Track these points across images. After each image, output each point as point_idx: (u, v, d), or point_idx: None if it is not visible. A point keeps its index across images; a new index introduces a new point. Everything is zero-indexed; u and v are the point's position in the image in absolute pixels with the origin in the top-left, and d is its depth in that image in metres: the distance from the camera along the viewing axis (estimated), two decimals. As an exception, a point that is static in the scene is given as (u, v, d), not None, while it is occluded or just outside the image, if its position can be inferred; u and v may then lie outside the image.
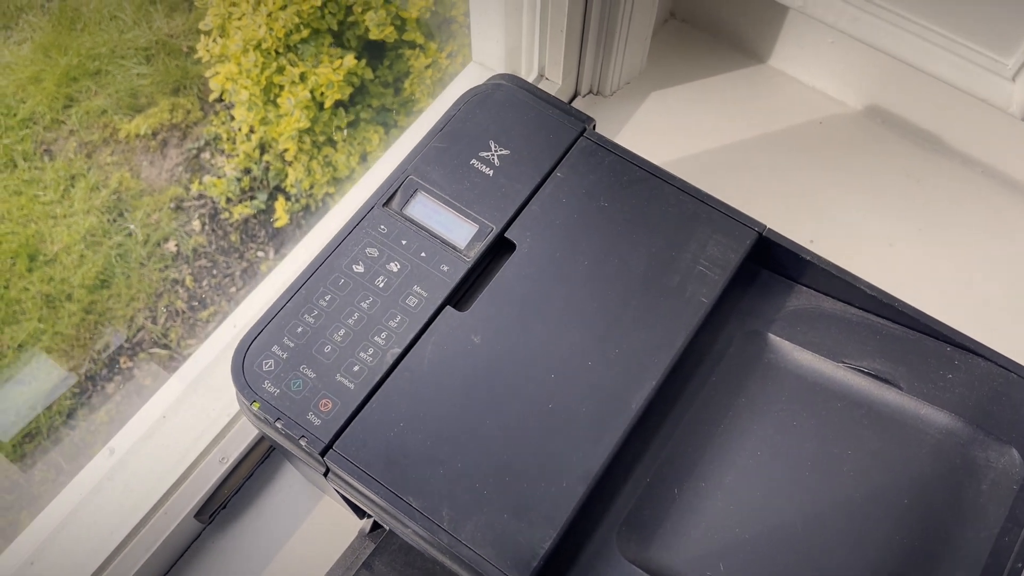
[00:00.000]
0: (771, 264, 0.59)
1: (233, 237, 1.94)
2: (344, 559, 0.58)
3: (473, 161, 0.59)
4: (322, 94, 1.92)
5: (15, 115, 2.01)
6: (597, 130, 0.62)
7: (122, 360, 1.81)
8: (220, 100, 2.03)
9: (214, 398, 0.65)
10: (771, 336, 0.57)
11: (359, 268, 0.56)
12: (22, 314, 1.81)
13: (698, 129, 0.84)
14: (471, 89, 0.62)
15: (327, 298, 0.54)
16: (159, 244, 1.92)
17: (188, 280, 1.86)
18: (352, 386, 0.52)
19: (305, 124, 1.96)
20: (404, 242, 0.56)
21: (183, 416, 0.66)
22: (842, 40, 0.80)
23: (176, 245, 1.92)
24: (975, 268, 0.77)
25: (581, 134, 0.60)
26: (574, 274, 0.55)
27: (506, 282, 0.55)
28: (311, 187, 1.97)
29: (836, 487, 0.52)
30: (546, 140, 0.60)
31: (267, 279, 0.68)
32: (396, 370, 0.53)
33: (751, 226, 0.57)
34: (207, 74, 1.95)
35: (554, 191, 0.58)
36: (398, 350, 0.53)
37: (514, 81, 0.63)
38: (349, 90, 1.96)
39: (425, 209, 0.58)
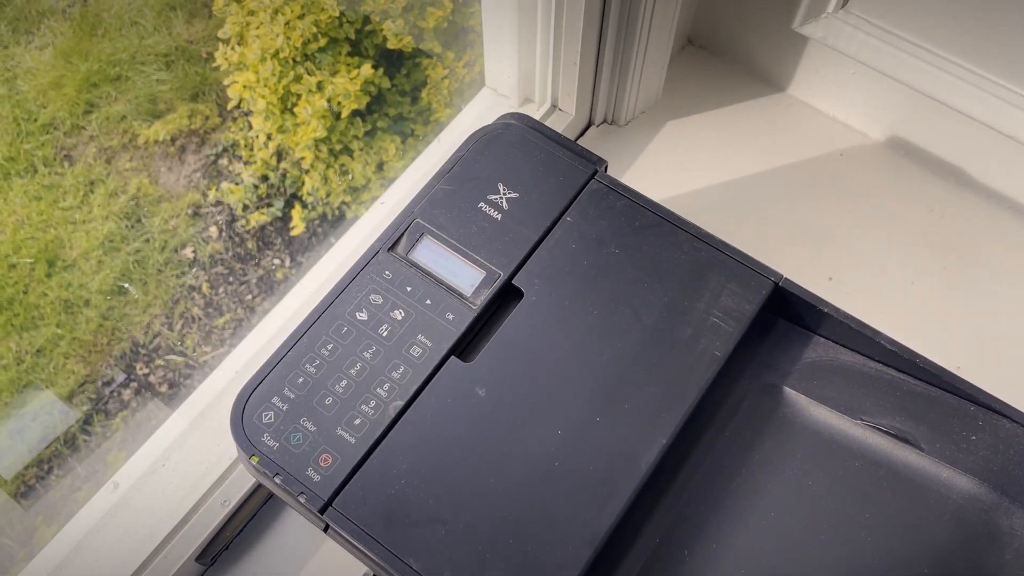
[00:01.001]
0: (788, 314, 0.57)
1: (250, 244, 1.95)
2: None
3: (481, 204, 0.58)
4: (339, 103, 1.92)
5: (36, 120, 2.03)
6: (610, 161, 0.60)
7: (138, 367, 1.81)
8: (238, 107, 2.04)
9: (215, 440, 0.64)
10: (787, 390, 0.55)
11: (362, 315, 0.54)
12: (40, 319, 1.82)
13: (714, 160, 0.82)
14: (480, 129, 0.60)
15: (329, 347, 0.53)
16: (176, 250, 1.92)
17: (204, 287, 1.86)
18: (353, 440, 0.50)
19: (322, 133, 1.96)
20: (409, 288, 0.55)
21: (185, 455, 0.65)
22: (864, 70, 0.78)
23: (193, 251, 1.92)
24: (1001, 310, 0.74)
25: (592, 176, 0.59)
26: (583, 324, 0.54)
27: (513, 331, 0.54)
28: (327, 195, 1.98)
29: (852, 552, 0.50)
30: (556, 183, 0.58)
31: (268, 317, 0.67)
32: (398, 424, 0.51)
33: (767, 275, 0.56)
34: (225, 82, 1.96)
35: (564, 236, 0.57)
36: (400, 403, 0.52)
37: (524, 121, 0.61)
38: (366, 99, 1.96)
39: (431, 254, 0.56)
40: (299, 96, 1.93)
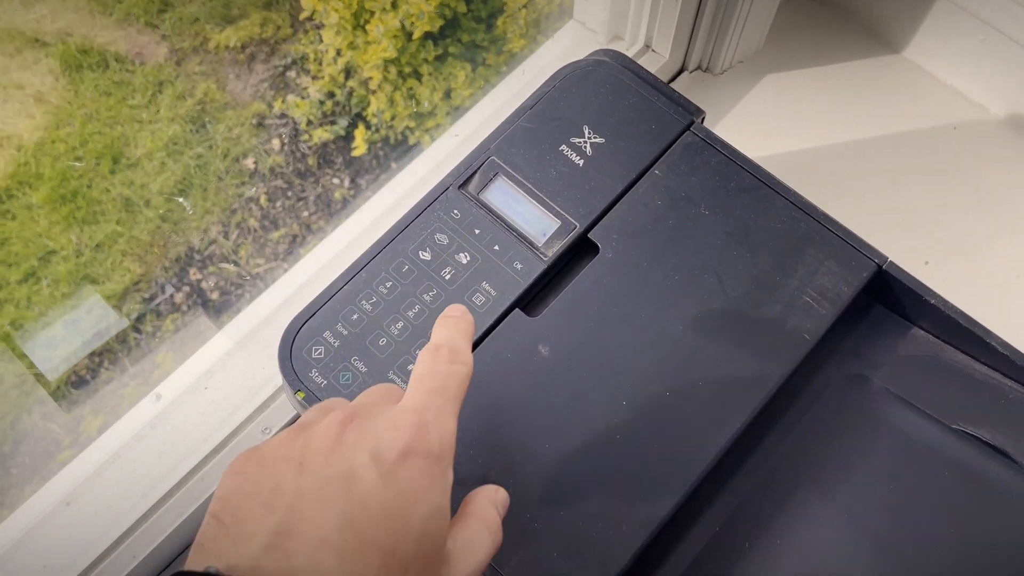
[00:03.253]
0: (886, 300, 0.52)
1: (311, 161, 1.93)
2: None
3: (563, 147, 0.53)
4: (412, 23, 1.87)
5: (111, 14, 2.02)
6: (705, 113, 0.55)
7: (191, 272, 1.83)
8: (310, 19, 2.01)
9: (260, 364, 0.62)
10: (876, 383, 0.50)
11: (426, 255, 0.51)
12: (102, 215, 1.84)
13: (813, 121, 0.75)
14: (569, 65, 0.55)
15: (388, 285, 0.50)
16: (238, 160, 1.92)
17: (263, 199, 1.86)
18: (405, 386, 0.47)
19: (392, 54, 1.92)
20: (477, 231, 0.51)
21: (229, 376, 0.63)
22: (996, 37, 0.70)
23: (254, 162, 1.92)
24: (1113, 315, 0.68)
25: (688, 127, 0.54)
26: (661, 289, 0.50)
27: (584, 289, 0.50)
28: (392, 118, 1.94)
29: (931, 571, 0.46)
30: (647, 130, 0.53)
31: (324, 243, 0.64)
32: (453, 375, 0.48)
33: (870, 256, 0.50)
34: (299, -9, 1.91)
35: (649, 191, 0.52)
36: (458, 353, 0.48)
37: (618, 59, 0.56)
38: (440, 22, 1.91)
39: (504, 196, 0.52)
40: (372, 13, 1.89)
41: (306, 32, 1.99)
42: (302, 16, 1.94)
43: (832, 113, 0.76)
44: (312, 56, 1.96)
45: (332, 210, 1.82)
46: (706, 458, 0.46)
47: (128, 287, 1.79)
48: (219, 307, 1.75)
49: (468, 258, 0.50)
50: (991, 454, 0.48)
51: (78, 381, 1.68)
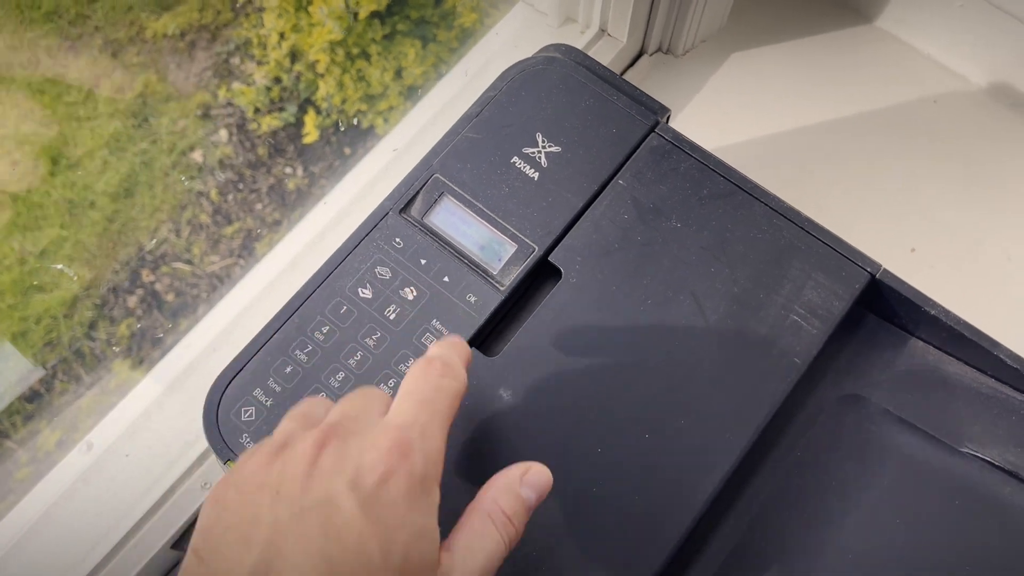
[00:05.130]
0: (881, 310, 0.47)
1: (261, 150, 1.85)
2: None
3: (515, 159, 0.47)
4: (357, 3, 1.80)
5: (39, 7, 1.92)
6: (663, 98, 0.49)
7: (144, 273, 1.76)
8: (251, 2, 1.92)
9: (195, 412, 0.56)
10: (874, 403, 0.46)
11: (366, 292, 0.45)
12: (44, 220, 1.76)
13: (784, 102, 0.70)
14: (516, 65, 0.49)
15: (324, 330, 0.44)
16: (184, 153, 1.84)
17: (213, 193, 1.79)
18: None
19: (338, 35, 1.85)
20: (423, 261, 0.45)
21: (162, 426, 0.57)
22: (976, 3, 0.65)
23: (202, 155, 1.84)
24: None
25: (653, 128, 0.48)
26: (634, 316, 0.44)
27: (547, 321, 0.44)
28: (343, 102, 1.87)
29: (947, 616, 0.41)
30: (608, 135, 0.48)
31: (249, 275, 0.57)
32: (405, 430, 0.42)
33: (862, 265, 0.45)
34: (235, -27, 1.82)
35: (614, 204, 0.46)
36: (408, 404, 0.42)
37: (571, 55, 0.50)
38: (386, 0, 1.83)
39: (452, 219, 0.46)
40: None
41: (248, 16, 1.91)
42: (240, 1, 1.86)
43: (803, 92, 0.70)
44: (256, 41, 1.88)
45: (286, 201, 1.75)
46: (695, 506, 0.41)
47: (78, 293, 1.71)
48: (175, 309, 1.68)
49: (415, 293, 0.45)
50: (1004, 478, 0.43)
51: (31, 395, 1.61)
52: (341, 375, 0.43)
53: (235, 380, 0.43)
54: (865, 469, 0.45)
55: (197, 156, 1.81)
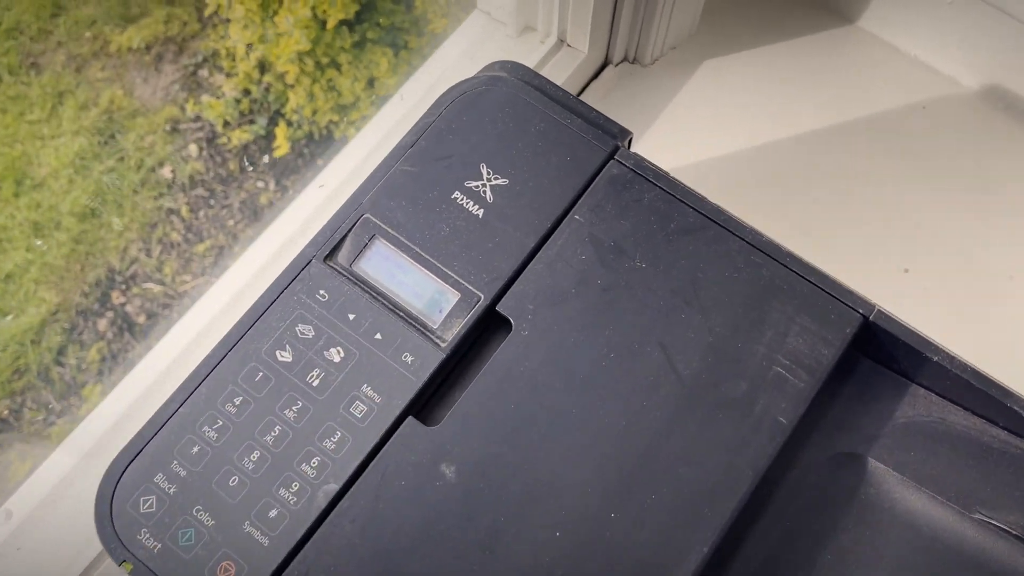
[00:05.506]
0: (876, 354, 0.42)
1: (232, 165, 1.80)
2: None
3: (456, 194, 0.41)
4: (324, 11, 1.75)
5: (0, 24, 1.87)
6: (631, 112, 0.44)
7: (114, 295, 1.71)
8: (216, 14, 1.87)
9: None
10: (872, 463, 0.40)
11: (285, 356, 0.39)
12: (9, 242, 1.71)
13: (761, 112, 0.65)
14: (456, 87, 0.43)
15: (237, 402, 0.38)
16: (153, 170, 1.78)
17: (184, 210, 1.74)
18: (266, 542, 0.36)
19: (306, 45, 1.80)
20: (352, 316, 0.39)
21: (74, 504, 0.50)
22: (964, 1, 0.60)
23: (172, 171, 1.78)
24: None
25: (612, 155, 0.42)
26: (595, 373, 0.38)
27: (496, 381, 0.38)
28: (313, 113, 1.83)
29: None
30: (562, 164, 0.42)
31: (163, 342, 0.51)
32: (331, 517, 0.36)
33: (853, 307, 0.40)
34: (200, -16, 1.78)
35: (570, 242, 0.41)
36: (335, 487, 0.37)
37: (518, 73, 0.44)
38: (355, 7, 1.79)
39: (384, 265, 0.40)
40: (280, 2, 1.77)
41: (215, 27, 1.86)
42: (207, 11, 1.81)
43: (782, 100, 0.65)
44: (224, 52, 1.84)
45: (259, 216, 1.70)
46: (668, 598, 0.35)
47: (46, 318, 1.66)
48: (146, 330, 1.63)
49: (342, 354, 0.39)
50: (1021, 548, 0.38)
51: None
52: (256, 454, 0.37)
53: (132, 465, 0.37)
54: (864, 539, 0.39)
55: (166, 172, 1.76)
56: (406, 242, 0.40)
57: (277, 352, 0.39)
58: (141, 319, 1.65)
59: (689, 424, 0.38)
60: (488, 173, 0.42)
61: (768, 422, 0.38)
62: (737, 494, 0.37)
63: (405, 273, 0.40)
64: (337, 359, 0.39)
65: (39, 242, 1.53)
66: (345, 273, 0.40)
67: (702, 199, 0.42)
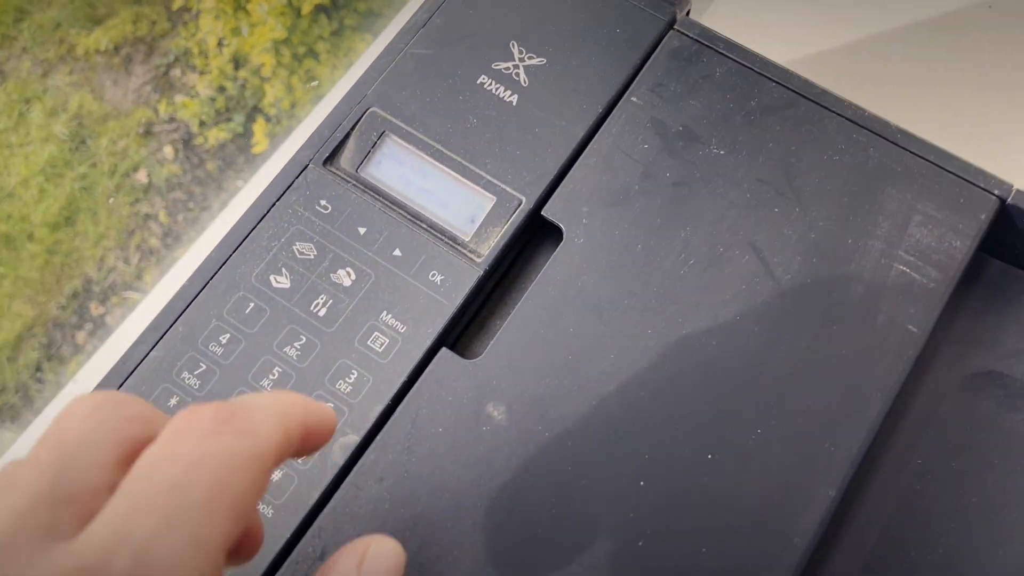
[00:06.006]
0: (1009, 252, 0.34)
1: (210, 165, 1.72)
2: None
3: (483, 79, 0.33)
4: (299, -2, 1.67)
5: (-41, 30, 1.79)
6: (691, 2, 0.36)
7: (92, 306, 1.63)
8: (187, 9, 1.79)
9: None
10: (1016, 383, 0.32)
11: (282, 282, 0.31)
12: (-23, 257, 1.63)
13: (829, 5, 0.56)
14: (476, -51, 0.35)
15: (223, 340, 0.30)
16: (128, 174, 1.71)
17: (162, 215, 1.66)
18: (269, 512, 0.28)
19: (281, 34, 1.72)
20: (363, 230, 0.31)
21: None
22: None
23: (147, 175, 1.70)
24: None
25: (671, 25, 0.34)
26: (671, 287, 0.30)
27: (547, 302, 0.30)
28: (292, 106, 1.75)
29: None
30: (610, 37, 0.34)
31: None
32: (351, 477, 0.28)
33: (987, 188, 0.32)
34: (166, -24, 1.71)
35: (628, 130, 0.33)
36: (355, 439, 0.29)
37: (551, -66, 0.36)
38: (331, -8, 1.71)
39: (400, 168, 0.32)
40: None
41: (185, 24, 1.78)
42: (175, 6, 1.73)
43: None
44: (196, 50, 1.76)
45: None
46: (790, 563, 0.27)
47: (21, 333, 1.58)
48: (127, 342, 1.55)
49: (353, 276, 0.31)
50: None
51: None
52: (251, 404, 0.29)
53: (92, 425, 0.29)
54: (1012, 477, 0.31)
55: (142, 177, 1.69)
56: (424, 138, 0.32)
57: (272, 277, 0.31)
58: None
59: (796, 341, 0.30)
60: (520, 52, 0.34)
61: (895, 333, 0.30)
62: (865, 423, 0.29)
63: (425, 176, 0.32)
64: (347, 282, 0.31)
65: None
66: (351, 179, 0.32)
67: (787, 71, 0.34)
